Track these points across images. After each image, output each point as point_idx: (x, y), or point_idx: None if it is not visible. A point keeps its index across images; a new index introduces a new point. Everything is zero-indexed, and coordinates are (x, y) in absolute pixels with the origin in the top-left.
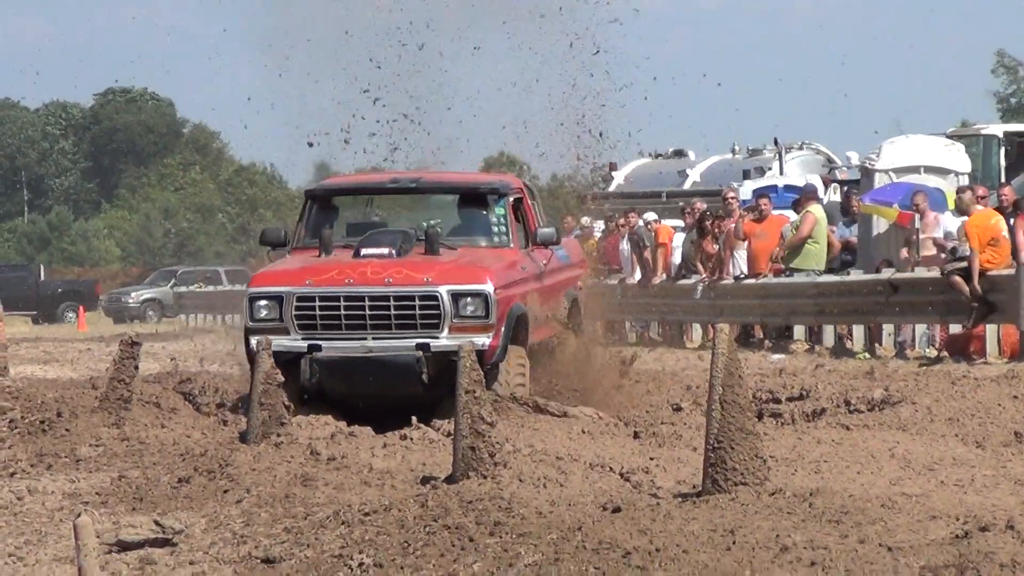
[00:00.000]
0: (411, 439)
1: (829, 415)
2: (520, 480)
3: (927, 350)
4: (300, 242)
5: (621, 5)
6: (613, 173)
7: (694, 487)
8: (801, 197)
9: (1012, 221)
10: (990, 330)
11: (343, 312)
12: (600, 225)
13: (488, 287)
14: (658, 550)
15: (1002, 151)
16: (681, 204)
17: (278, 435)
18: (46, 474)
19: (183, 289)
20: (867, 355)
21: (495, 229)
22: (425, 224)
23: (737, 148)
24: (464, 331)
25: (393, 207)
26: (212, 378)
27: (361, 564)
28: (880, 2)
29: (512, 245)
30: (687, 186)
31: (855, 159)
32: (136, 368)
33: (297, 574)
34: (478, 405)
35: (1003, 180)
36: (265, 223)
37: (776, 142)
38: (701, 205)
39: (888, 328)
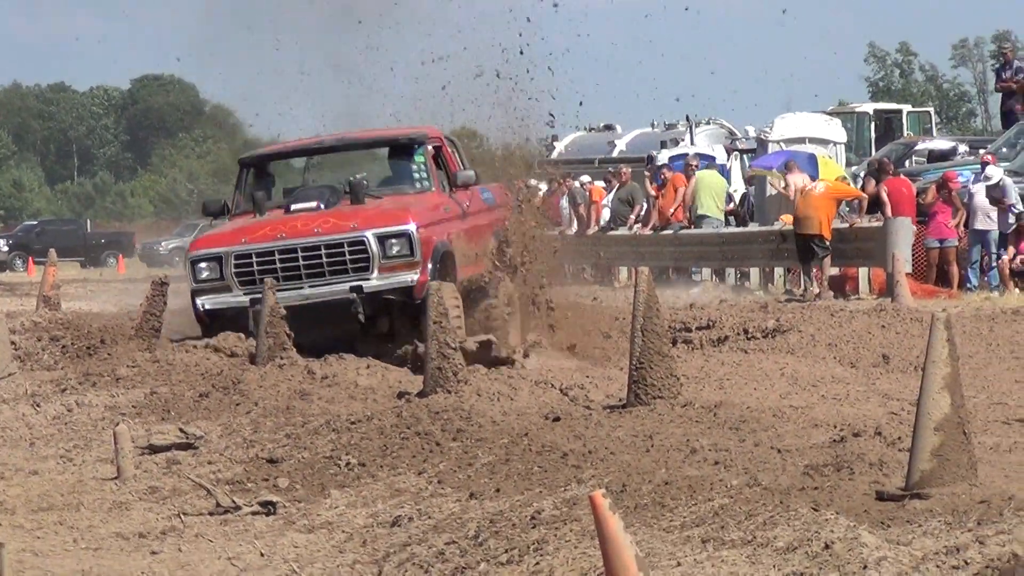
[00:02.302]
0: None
1: (731, 341)
2: (478, 395)
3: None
4: (238, 209)
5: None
6: (555, 143)
7: (620, 400)
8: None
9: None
10: (862, 271)
11: (279, 265)
12: (544, 186)
13: (411, 227)
14: (590, 452)
15: (872, 126)
16: (610, 169)
17: (281, 358)
18: (91, 390)
19: None
20: (762, 293)
21: (416, 176)
22: (350, 179)
23: (656, 123)
24: (393, 270)
25: (325, 170)
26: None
27: (348, 463)
28: (777, 1)
29: (433, 189)
30: (615, 154)
31: (752, 132)
32: (165, 303)
33: (295, 471)
34: (444, 333)
35: (873, 150)
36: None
37: (688, 118)
38: (627, 170)
39: (779, 270)
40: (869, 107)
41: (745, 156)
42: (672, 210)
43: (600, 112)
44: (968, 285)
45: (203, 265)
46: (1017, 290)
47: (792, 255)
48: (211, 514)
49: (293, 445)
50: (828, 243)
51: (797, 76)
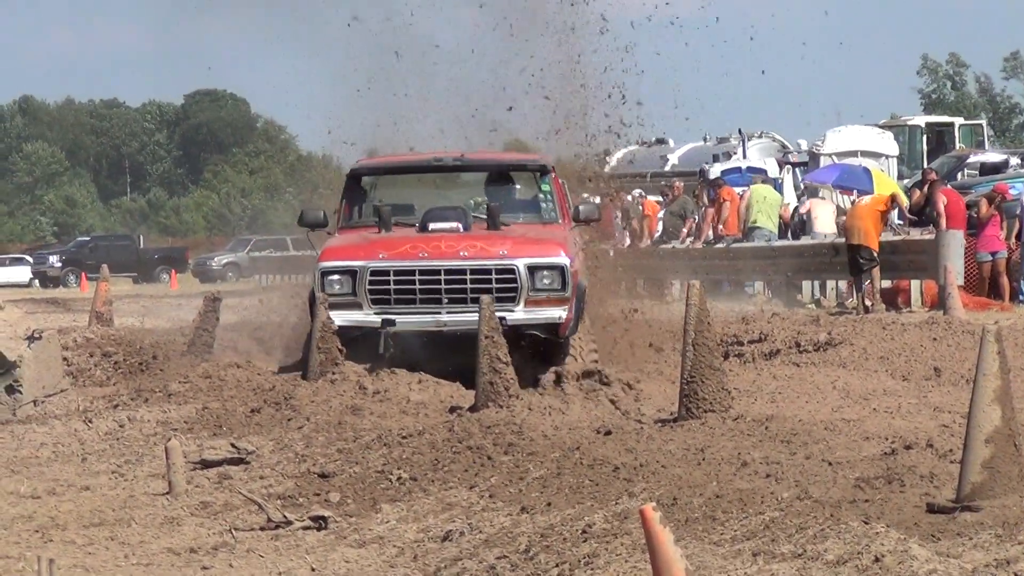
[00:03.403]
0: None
1: (783, 355)
2: (530, 409)
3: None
4: (347, 221)
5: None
6: (607, 158)
7: (671, 414)
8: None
9: (934, 195)
10: (914, 284)
11: (418, 286)
12: (597, 200)
13: (565, 260)
14: (641, 465)
15: (924, 138)
16: (663, 183)
17: (332, 373)
18: (143, 406)
19: (257, 254)
20: (814, 306)
21: (544, 205)
22: (473, 202)
23: (708, 136)
24: (540, 304)
25: (421, 189)
26: (279, 327)
27: (399, 478)
28: (830, 13)
29: (560, 221)
30: (667, 168)
31: (804, 145)
32: (217, 319)
33: (347, 486)
34: (496, 347)
35: (925, 163)
36: (324, 200)
37: (740, 131)
38: (679, 184)
39: (831, 283)
40: (921, 120)
41: (797, 169)
42: (721, 224)
43: (652, 126)
44: (1020, 297)
45: (335, 278)
46: None
47: (845, 268)
48: (262, 529)
49: (344, 460)
50: (875, 254)
51: (848, 88)
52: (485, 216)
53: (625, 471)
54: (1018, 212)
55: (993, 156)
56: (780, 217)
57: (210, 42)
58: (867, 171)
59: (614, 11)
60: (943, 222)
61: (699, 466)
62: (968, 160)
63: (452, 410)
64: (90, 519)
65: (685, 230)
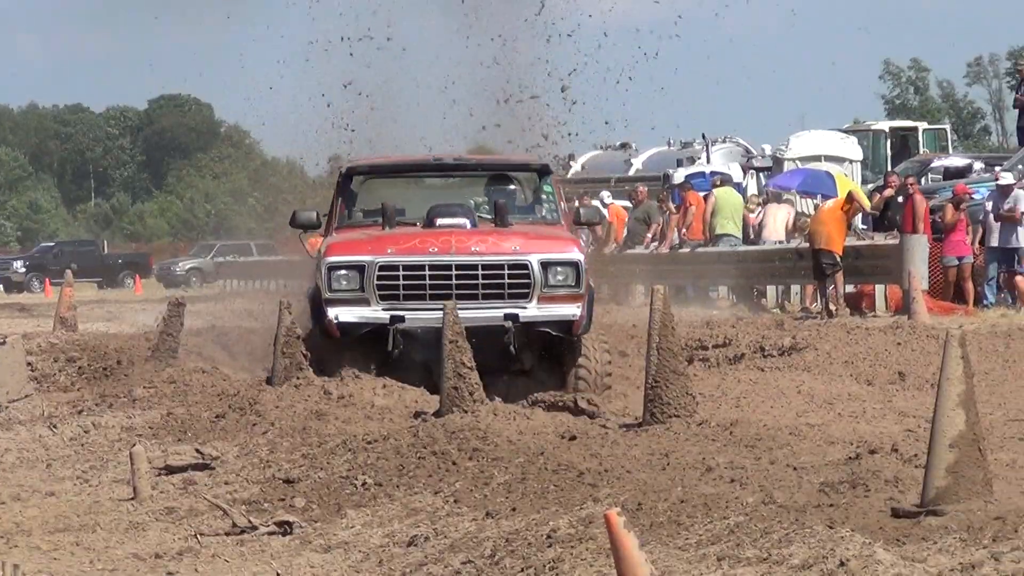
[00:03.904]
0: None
1: (747, 359)
2: (495, 414)
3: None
4: (343, 221)
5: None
6: (571, 162)
7: (636, 419)
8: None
9: (900, 199)
10: (879, 289)
11: (428, 281)
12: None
13: (579, 256)
14: (606, 471)
15: (888, 143)
16: (627, 188)
17: (297, 378)
18: (108, 411)
19: (221, 259)
20: (778, 310)
21: (546, 206)
22: (473, 202)
23: (672, 141)
24: (553, 301)
25: (416, 190)
26: (244, 332)
27: (364, 483)
28: (792, 21)
29: (562, 222)
30: (631, 173)
31: (768, 150)
32: (182, 324)
33: (312, 491)
34: (460, 352)
35: (889, 167)
36: (289, 205)
37: (704, 136)
38: (643, 189)
39: (795, 288)
40: (885, 125)
41: (761, 174)
42: (685, 228)
43: (616, 130)
44: (985, 302)
45: (342, 273)
46: None
47: (809, 273)
48: (228, 534)
49: (309, 465)
50: (838, 259)
51: (811, 94)
52: (488, 215)
53: (590, 476)
54: (981, 217)
55: (957, 160)
56: (744, 220)
57: (174, 47)
58: (831, 175)
59: (583, 19)
60: (921, 225)
61: (664, 471)
62: (932, 164)
63: (417, 415)
64: (55, 525)
65: (649, 235)
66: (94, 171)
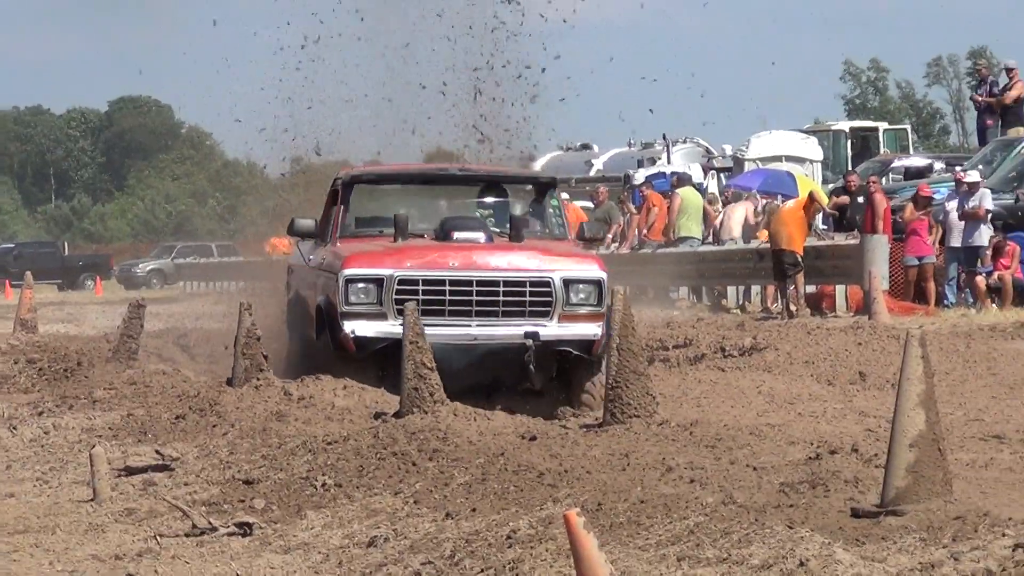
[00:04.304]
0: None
1: (708, 359)
2: (455, 415)
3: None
4: (346, 230)
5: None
6: (531, 163)
7: (596, 419)
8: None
9: (860, 200)
10: (839, 289)
11: (448, 297)
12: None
13: (602, 274)
14: (566, 471)
15: (848, 143)
16: (587, 189)
17: (257, 380)
18: (68, 413)
19: (181, 261)
20: (739, 311)
21: (554, 220)
22: (480, 215)
23: (632, 142)
24: (574, 319)
25: (414, 200)
26: (204, 334)
27: (324, 484)
28: (753, 22)
29: (569, 237)
30: (592, 173)
31: (729, 150)
32: (142, 326)
33: (272, 492)
34: (420, 353)
35: (849, 167)
36: (249, 207)
37: (664, 137)
38: (604, 189)
39: (756, 288)
40: (845, 125)
41: (722, 175)
42: (646, 229)
43: (577, 131)
44: (945, 302)
45: (360, 286)
46: (994, 307)
47: (769, 273)
48: (187, 536)
49: (269, 466)
50: (799, 259)
51: (773, 94)
52: (495, 228)
53: (550, 476)
54: (941, 217)
55: (917, 160)
56: (707, 221)
57: (134, 49)
58: (791, 176)
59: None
60: (881, 224)
61: (624, 471)
62: (892, 165)
63: (377, 416)
64: (14, 526)
65: (609, 236)
66: (55, 173)
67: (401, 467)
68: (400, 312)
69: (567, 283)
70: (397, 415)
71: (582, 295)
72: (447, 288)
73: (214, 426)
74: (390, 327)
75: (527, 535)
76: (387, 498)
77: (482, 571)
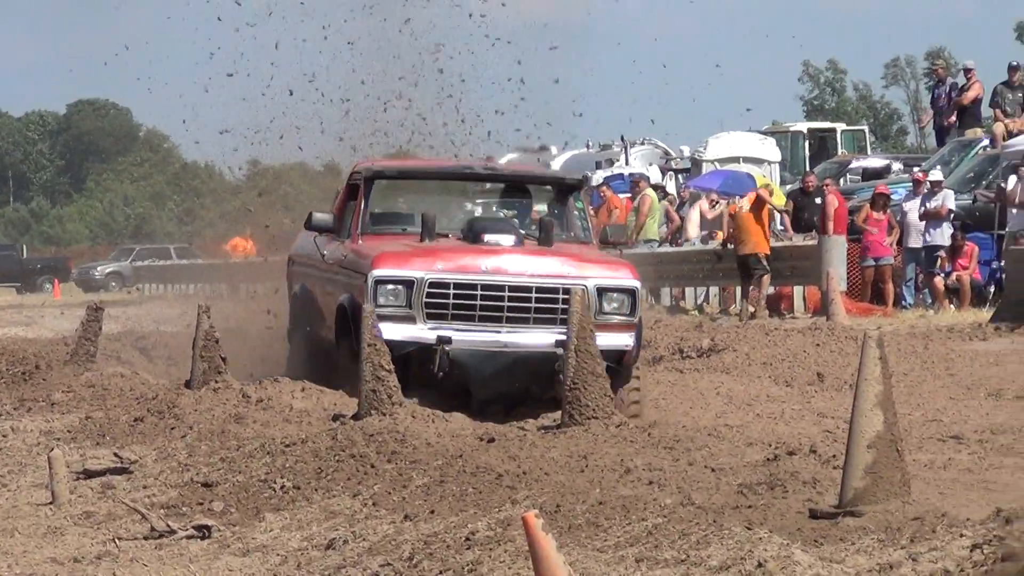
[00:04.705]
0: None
1: (666, 361)
2: (413, 417)
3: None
4: (367, 227)
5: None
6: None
7: (554, 421)
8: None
9: (818, 201)
10: (797, 290)
11: (479, 302)
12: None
13: (636, 283)
14: (525, 472)
15: (806, 144)
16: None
17: (216, 382)
18: (26, 416)
19: (140, 263)
20: (697, 312)
21: (579, 223)
22: (502, 213)
23: (591, 143)
24: (606, 329)
25: (430, 197)
26: (162, 336)
27: (283, 487)
28: (715, 24)
29: (594, 241)
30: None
31: (687, 152)
32: (100, 329)
33: (230, 495)
34: (378, 355)
35: (807, 168)
36: (207, 209)
37: (622, 138)
38: None
39: (714, 289)
40: (803, 126)
41: (680, 176)
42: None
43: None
44: (903, 303)
45: (389, 288)
46: (952, 307)
47: (727, 275)
48: (146, 538)
49: (228, 469)
50: (765, 261)
51: (730, 96)
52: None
53: (508, 478)
54: (899, 218)
55: (875, 161)
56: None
57: (92, 52)
58: (751, 177)
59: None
60: (831, 225)
61: (582, 473)
62: (850, 165)
63: (335, 418)
64: None
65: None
66: (13, 175)
67: (359, 469)
68: (430, 316)
69: (600, 291)
70: (355, 417)
71: (615, 304)
72: (479, 293)
73: (172, 429)
74: (419, 331)
75: (486, 537)
76: (345, 500)
77: (441, 573)
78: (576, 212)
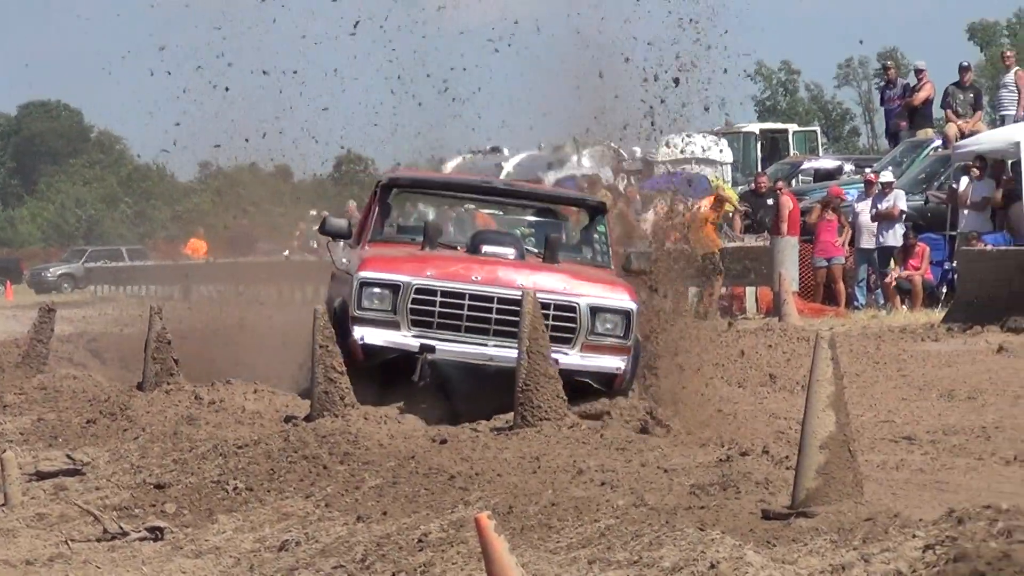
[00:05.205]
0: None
1: None
2: (365, 418)
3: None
4: (378, 235)
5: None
6: (441, 167)
7: (507, 422)
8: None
9: (770, 202)
10: (749, 291)
11: (466, 312)
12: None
13: (632, 304)
14: (477, 474)
15: (759, 145)
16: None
17: (168, 384)
18: None
19: (92, 265)
20: None
21: (597, 247)
22: (519, 231)
23: (543, 144)
24: (597, 350)
25: (452, 209)
26: (114, 338)
27: (235, 488)
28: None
29: (611, 266)
30: (502, 176)
31: (639, 153)
32: (52, 330)
33: (183, 497)
34: (330, 357)
35: (760, 169)
36: (159, 211)
37: (574, 140)
38: None
39: None
40: (755, 127)
41: (632, 177)
42: None
43: (488, 134)
44: (855, 303)
45: (375, 291)
46: (904, 308)
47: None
48: (99, 540)
49: (180, 470)
50: (718, 261)
51: (681, 96)
52: (534, 248)
53: (461, 480)
54: (851, 219)
55: (827, 162)
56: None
57: (42, 53)
58: (706, 178)
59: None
60: (784, 227)
61: (535, 474)
62: (802, 167)
63: (287, 420)
64: None
65: None
66: None
67: (312, 471)
68: (415, 323)
69: (594, 310)
70: (308, 419)
71: (609, 325)
72: (466, 303)
73: (125, 430)
74: (402, 338)
75: (438, 538)
76: (298, 502)
77: (394, 574)
78: (597, 235)
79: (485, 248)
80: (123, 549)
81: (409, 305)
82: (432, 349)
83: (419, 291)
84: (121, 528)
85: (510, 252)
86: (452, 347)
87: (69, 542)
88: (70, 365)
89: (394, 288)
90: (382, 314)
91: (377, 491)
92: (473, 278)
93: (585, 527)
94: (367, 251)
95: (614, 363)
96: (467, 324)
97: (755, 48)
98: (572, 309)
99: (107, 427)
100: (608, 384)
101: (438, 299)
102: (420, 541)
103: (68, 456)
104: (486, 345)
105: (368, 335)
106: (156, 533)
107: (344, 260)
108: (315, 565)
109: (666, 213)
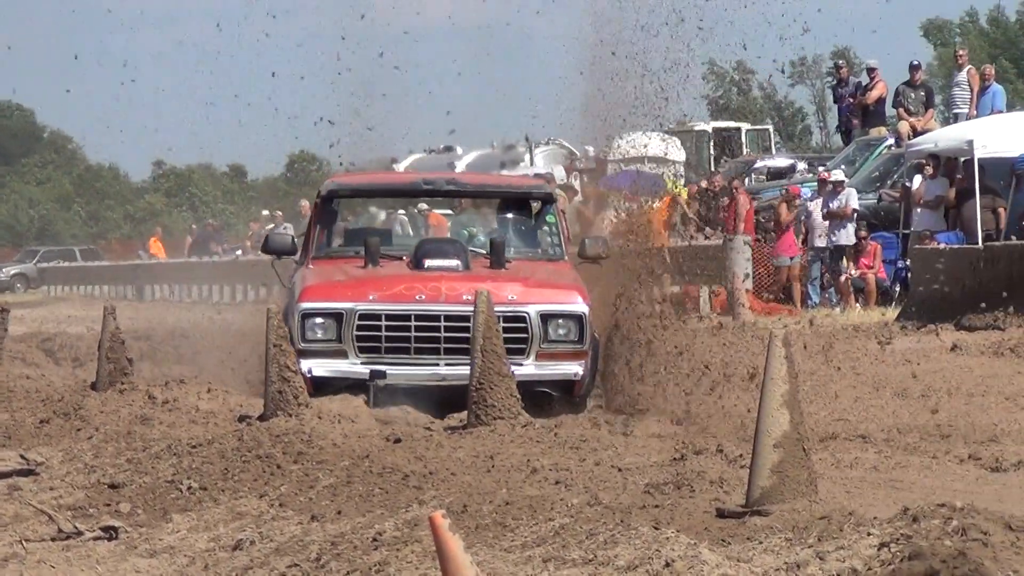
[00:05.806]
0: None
1: None
2: (319, 417)
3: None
4: (320, 250)
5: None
6: (394, 166)
7: (461, 421)
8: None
9: (723, 201)
10: (703, 290)
11: (413, 333)
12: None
13: (583, 307)
14: (431, 473)
15: (711, 143)
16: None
17: (122, 383)
18: None
19: (45, 265)
20: None
21: (550, 240)
22: (467, 232)
23: (496, 144)
24: (553, 358)
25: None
26: (68, 338)
27: (190, 488)
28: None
29: (566, 258)
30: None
31: (591, 151)
32: (6, 330)
33: (137, 496)
34: (284, 356)
35: (712, 167)
36: (112, 211)
37: (527, 138)
38: None
39: None
40: (708, 125)
41: (584, 176)
42: None
43: (439, 133)
44: (809, 302)
45: (318, 321)
46: (858, 306)
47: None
48: (53, 540)
49: (134, 470)
50: (667, 259)
51: (634, 94)
52: (483, 250)
53: (415, 479)
54: (804, 218)
55: (780, 161)
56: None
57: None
58: (660, 177)
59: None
60: (741, 225)
61: (489, 473)
62: (755, 165)
63: (241, 419)
64: None
65: None
66: None
67: (266, 470)
68: (362, 350)
69: (544, 318)
70: (261, 418)
71: (561, 331)
72: (412, 324)
73: (79, 430)
74: (350, 366)
75: (393, 537)
76: (252, 501)
77: (348, 573)
78: (547, 227)
79: (428, 262)
80: (78, 549)
81: (354, 332)
82: (383, 375)
83: (363, 316)
84: (76, 528)
85: (454, 263)
86: (403, 370)
87: (23, 542)
88: (23, 365)
89: (337, 317)
90: (328, 344)
91: (331, 490)
92: (417, 298)
93: (539, 526)
94: (308, 274)
95: (571, 369)
96: (416, 346)
97: (710, 49)
98: (522, 319)
99: (61, 427)
100: (567, 391)
101: (383, 323)
102: (375, 540)
103: (22, 456)
104: (438, 365)
105: (316, 367)
106: (111, 533)
107: (293, 280)
108: (270, 564)
109: (625, 212)
